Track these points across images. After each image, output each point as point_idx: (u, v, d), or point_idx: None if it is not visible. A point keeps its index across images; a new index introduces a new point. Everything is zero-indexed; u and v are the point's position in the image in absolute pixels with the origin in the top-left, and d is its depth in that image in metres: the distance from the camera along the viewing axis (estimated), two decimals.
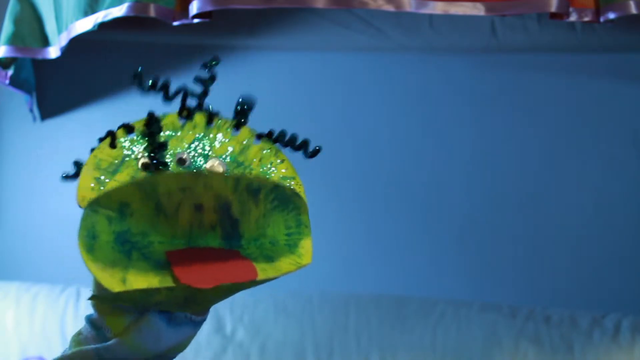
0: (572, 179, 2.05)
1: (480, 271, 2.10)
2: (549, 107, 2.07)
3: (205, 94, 0.96)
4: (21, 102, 2.28)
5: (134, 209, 0.84)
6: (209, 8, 1.56)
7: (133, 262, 0.83)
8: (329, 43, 2.11)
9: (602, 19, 1.53)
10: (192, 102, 0.96)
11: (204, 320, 0.93)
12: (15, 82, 2.06)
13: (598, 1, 1.53)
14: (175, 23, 1.66)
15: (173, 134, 0.93)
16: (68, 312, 2.11)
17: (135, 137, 0.91)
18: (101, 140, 0.90)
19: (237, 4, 1.57)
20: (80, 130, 2.27)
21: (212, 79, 0.96)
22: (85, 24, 1.72)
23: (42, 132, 2.31)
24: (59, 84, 2.28)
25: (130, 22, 1.82)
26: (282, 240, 0.91)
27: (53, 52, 1.88)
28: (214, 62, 0.97)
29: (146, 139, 0.90)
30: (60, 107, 2.30)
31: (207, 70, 0.96)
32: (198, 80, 0.96)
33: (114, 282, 0.81)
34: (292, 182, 0.95)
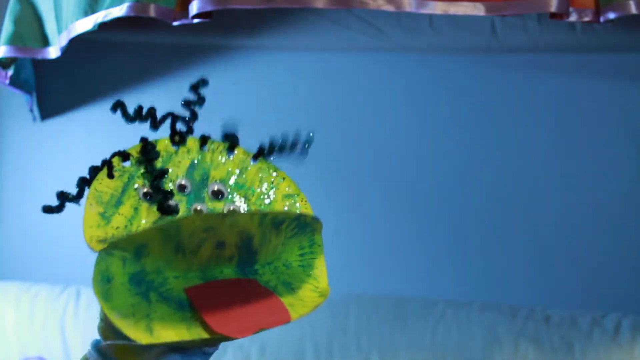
0: (572, 178, 2.05)
1: (480, 271, 2.10)
2: (549, 107, 2.07)
3: (194, 117, 0.93)
4: (21, 102, 2.28)
5: (150, 250, 0.81)
6: (209, 8, 1.56)
7: (153, 305, 0.80)
8: (329, 43, 2.11)
9: (602, 19, 1.53)
10: (181, 126, 0.93)
11: (216, 350, 0.90)
12: (15, 82, 2.06)
13: (598, 1, 1.53)
14: (175, 23, 1.66)
15: (168, 159, 0.90)
16: (68, 312, 2.11)
17: (130, 166, 0.88)
18: (96, 170, 0.87)
19: (237, 4, 1.57)
20: (80, 130, 2.27)
21: (201, 100, 0.94)
22: (85, 24, 1.72)
23: (42, 132, 2.31)
24: (59, 84, 2.28)
25: (130, 22, 1.82)
26: (295, 261, 0.90)
27: (53, 52, 1.88)
28: (201, 84, 0.94)
29: (144, 166, 0.87)
30: (60, 107, 2.30)
31: (194, 92, 0.94)
32: (186, 104, 0.94)
33: (140, 333, 0.77)
34: (297, 198, 0.94)
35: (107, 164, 0.87)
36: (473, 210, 2.11)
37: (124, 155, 0.88)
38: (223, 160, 0.93)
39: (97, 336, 0.88)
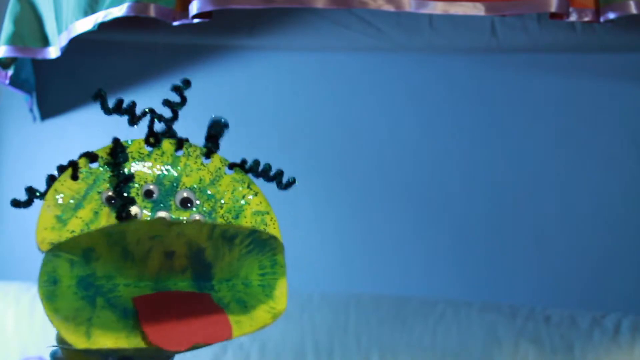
0: (572, 179, 2.05)
1: (480, 271, 2.10)
2: (549, 107, 2.07)
3: (174, 118, 0.90)
4: (21, 102, 2.28)
5: (99, 254, 0.79)
6: (209, 8, 1.56)
7: (97, 311, 0.79)
8: (329, 43, 2.11)
9: (602, 19, 1.53)
10: (159, 127, 0.91)
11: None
12: (15, 82, 2.05)
13: (598, 1, 1.52)
14: (175, 23, 1.65)
15: (139, 162, 0.87)
16: None
17: (98, 167, 0.85)
18: (61, 170, 0.85)
19: (237, 4, 1.56)
20: (80, 130, 2.27)
21: (183, 101, 0.91)
22: (85, 24, 1.71)
23: (42, 132, 2.31)
24: (59, 84, 2.28)
25: (130, 22, 1.82)
26: (255, 280, 0.88)
27: (53, 52, 1.88)
28: (184, 86, 0.92)
29: (110, 169, 0.85)
30: (60, 107, 2.30)
31: (177, 93, 0.91)
32: (167, 103, 0.91)
33: (78, 338, 0.77)
34: (266, 217, 0.91)
35: (73, 165, 0.85)
36: (473, 210, 2.11)
37: (91, 157, 0.86)
38: (197, 166, 0.90)
39: None
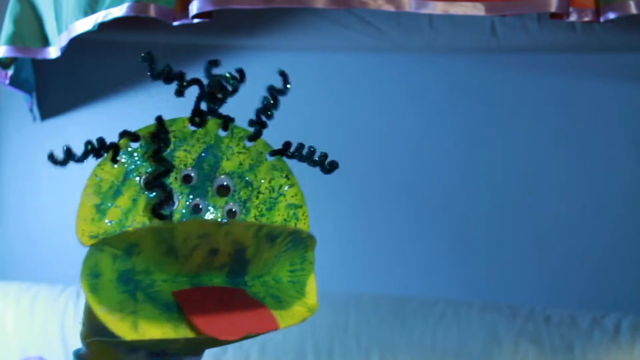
0: (572, 178, 2.05)
1: (480, 271, 2.10)
2: (549, 107, 2.07)
3: (233, 92, 0.88)
4: (21, 102, 2.28)
5: (142, 249, 0.79)
6: (209, 8, 1.56)
7: (140, 304, 0.79)
8: (329, 43, 2.11)
9: (602, 19, 1.53)
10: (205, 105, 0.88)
11: None
12: (15, 82, 2.05)
13: (598, 1, 1.52)
14: (175, 23, 1.65)
15: (182, 142, 0.86)
16: (68, 312, 2.11)
17: (138, 148, 0.84)
18: (103, 146, 0.83)
19: (237, 4, 1.56)
20: (80, 130, 2.27)
21: (242, 77, 0.89)
22: (85, 24, 1.71)
23: (42, 132, 2.31)
24: (59, 84, 2.28)
25: (130, 22, 1.82)
26: (285, 277, 0.88)
27: (53, 52, 1.88)
28: (239, 75, 0.89)
29: (151, 155, 0.83)
30: (60, 107, 2.30)
31: (233, 77, 0.88)
32: (227, 78, 0.89)
33: (125, 329, 0.76)
34: (299, 210, 0.92)
35: (114, 147, 0.83)
36: (473, 210, 2.11)
37: (134, 137, 0.84)
38: (239, 149, 0.89)
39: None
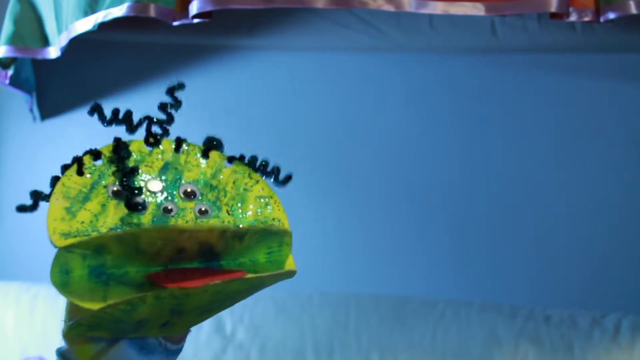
0: (572, 179, 2.05)
1: (480, 271, 2.10)
2: (549, 107, 2.07)
3: (170, 120, 0.92)
4: (21, 102, 2.28)
5: (110, 250, 0.83)
6: (209, 8, 1.56)
7: (111, 288, 0.81)
8: (329, 43, 2.11)
9: (602, 19, 1.53)
10: (157, 129, 0.93)
11: (179, 350, 0.91)
12: (15, 82, 2.05)
13: (598, 1, 1.52)
14: (175, 23, 1.65)
15: (141, 159, 0.90)
16: None
17: (102, 164, 0.88)
18: (66, 168, 0.87)
19: (237, 4, 1.56)
20: (80, 130, 2.27)
21: (178, 104, 0.93)
22: (85, 24, 1.71)
23: (42, 132, 2.31)
24: (59, 84, 2.28)
25: (130, 22, 1.82)
26: (262, 258, 0.90)
27: (53, 52, 1.88)
28: (177, 87, 0.93)
29: (115, 164, 0.87)
30: (60, 107, 2.30)
31: (171, 96, 0.93)
32: (162, 107, 0.93)
33: (95, 304, 0.79)
34: (270, 200, 0.93)
35: (78, 161, 0.87)
36: (473, 210, 2.11)
37: (95, 154, 0.88)
38: (197, 162, 0.93)
39: None
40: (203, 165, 0.92)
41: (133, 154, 0.89)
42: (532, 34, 1.92)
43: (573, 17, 1.53)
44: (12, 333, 2.13)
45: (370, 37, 2.02)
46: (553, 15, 1.54)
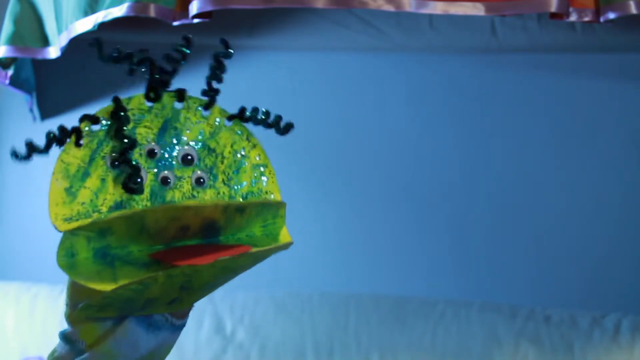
0: (572, 178, 2.05)
1: (480, 271, 2.10)
2: (549, 107, 2.07)
3: (174, 72, 0.91)
4: (21, 102, 2.28)
5: (114, 231, 0.82)
6: (209, 8, 1.56)
7: (118, 269, 0.82)
8: (329, 43, 2.11)
9: (602, 19, 1.53)
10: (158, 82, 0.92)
11: (184, 325, 0.91)
12: (15, 82, 2.05)
13: (598, 1, 1.52)
14: (175, 23, 1.65)
15: (140, 118, 0.88)
16: None
17: (100, 129, 0.86)
18: (64, 132, 0.85)
19: (237, 4, 1.56)
20: None
21: (184, 56, 0.93)
22: (85, 24, 1.71)
23: (42, 132, 2.30)
24: (59, 84, 2.28)
25: (130, 22, 1.82)
26: (258, 232, 0.91)
27: (53, 52, 1.88)
28: (184, 47, 0.93)
29: (113, 134, 0.86)
30: (60, 107, 2.30)
31: (179, 48, 0.93)
32: (169, 58, 0.93)
33: (104, 285, 0.79)
34: (265, 170, 0.94)
35: (76, 131, 0.85)
36: (473, 210, 2.11)
37: (92, 119, 0.87)
38: (197, 119, 0.92)
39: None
40: (202, 123, 0.91)
41: (131, 113, 0.88)
42: (532, 34, 1.92)
43: (573, 17, 1.53)
44: (12, 333, 2.13)
45: (370, 37, 2.02)
46: (553, 15, 1.54)
